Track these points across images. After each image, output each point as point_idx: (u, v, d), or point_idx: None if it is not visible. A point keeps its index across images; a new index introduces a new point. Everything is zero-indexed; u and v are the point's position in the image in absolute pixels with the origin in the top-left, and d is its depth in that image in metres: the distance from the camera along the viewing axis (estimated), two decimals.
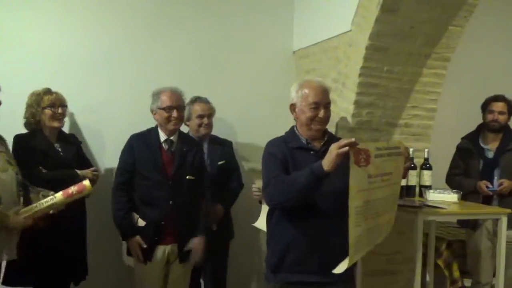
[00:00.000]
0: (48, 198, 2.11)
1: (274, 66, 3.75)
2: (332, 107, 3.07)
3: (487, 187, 3.14)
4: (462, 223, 3.43)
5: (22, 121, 2.74)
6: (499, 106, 3.28)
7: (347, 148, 1.68)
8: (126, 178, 2.67)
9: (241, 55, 3.67)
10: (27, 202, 2.19)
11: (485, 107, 3.36)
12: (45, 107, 2.66)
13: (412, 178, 2.94)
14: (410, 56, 2.98)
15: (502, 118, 3.27)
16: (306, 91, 2.03)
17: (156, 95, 2.68)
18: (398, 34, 2.84)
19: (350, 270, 1.93)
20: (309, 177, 1.78)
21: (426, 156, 2.99)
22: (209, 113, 3.06)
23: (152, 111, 2.70)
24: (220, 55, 3.61)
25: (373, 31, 2.77)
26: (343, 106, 3.06)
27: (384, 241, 3.00)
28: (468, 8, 2.90)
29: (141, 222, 2.63)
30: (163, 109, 2.62)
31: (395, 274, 3.09)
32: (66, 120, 2.90)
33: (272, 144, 2.11)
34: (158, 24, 3.46)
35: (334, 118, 3.11)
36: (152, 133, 2.73)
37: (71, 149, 2.77)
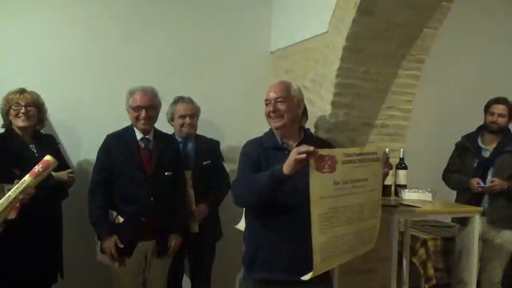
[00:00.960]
0: (18, 184, 2.05)
1: (252, 67, 3.76)
2: (310, 108, 3.16)
3: (478, 184, 3.20)
4: (456, 220, 3.51)
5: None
6: (499, 108, 3.34)
7: (304, 155, 1.68)
8: (103, 177, 2.66)
9: (219, 55, 3.66)
10: None
11: (487, 108, 3.42)
12: (11, 106, 2.61)
13: (388, 178, 2.98)
14: (386, 57, 3.02)
15: (501, 120, 3.33)
16: (266, 90, 2.11)
17: (129, 93, 2.69)
18: (375, 35, 2.88)
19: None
20: (270, 179, 1.80)
21: (401, 156, 3.03)
22: (192, 113, 3.04)
23: (126, 109, 2.71)
24: (198, 55, 3.59)
25: (350, 33, 2.80)
26: (320, 107, 3.09)
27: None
28: (442, 11, 2.96)
29: (120, 219, 2.63)
30: (133, 108, 2.65)
31: (371, 272, 3.12)
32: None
33: (247, 144, 2.14)
34: (136, 24, 3.43)
35: (312, 119, 3.15)
36: (128, 131, 2.73)
37: (46, 150, 2.70)
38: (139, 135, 2.71)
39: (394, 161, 3.00)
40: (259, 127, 3.17)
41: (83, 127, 3.25)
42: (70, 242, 2.93)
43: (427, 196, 2.90)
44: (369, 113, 3.10)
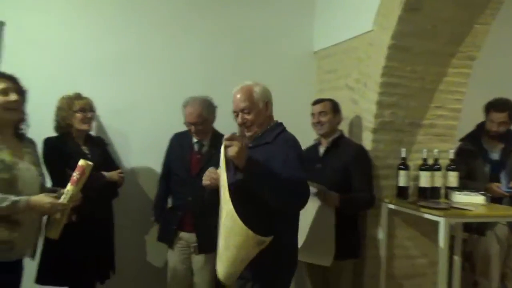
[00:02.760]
0: (64, 194, 2.14)
1: (295, 67, 3.74)
2: (354, 108, 3.11)
3: (499, 188, 3.06)
4: (468, 229, 3.23)
5: (50, 124, 2.77)
6: (499, 117, 3.16)
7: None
8: (165, 171, 3.05)
9: (262, 56, 3.66)
10: None
11: (487, 112, 3.25)
12: (76, 111, 2.71)
13: (438, 180, 2.88)
14: (433, 55, 2.92)
15: (503, 128, 3.18)
16: (232, 99, 2.15)
17: (183, 106, 2.87)
18: (421, 33, 2.80)
19: (257, 269, 1.94)
20: None
21: (451, 157, 2.92)
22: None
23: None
24: (241, 58, 3.61)
25: (396, 31, 2.73)
26: (365, 107, 3.03)
27: (408, 244, 3.00)
28: (494, 6, 2.83)
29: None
30: (185, 123, 2.87)
31: (420, 277, 3.03)
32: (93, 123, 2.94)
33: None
34: (181, 26, 3.50)
35: (355, 119, 3.09)
36: (187, 133, 2.95)
37: (98, 152, 2.81)
38: (195, 139, 2.91)
39: (443, 162, 2.90)
40: (302, 127, 3.16)
41: (134, 129, 3.34)
42: (122, 240, 3.02)
43: (480, 199, 2.77)
44: (416, 113, 3.01)
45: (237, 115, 2.12)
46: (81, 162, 2.16)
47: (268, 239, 1.84)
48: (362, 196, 2.72)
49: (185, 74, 3.40)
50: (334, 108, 2.85)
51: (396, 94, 2.91)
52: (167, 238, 2.92)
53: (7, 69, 2.23)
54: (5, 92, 2.05)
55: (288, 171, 1.87)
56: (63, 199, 2.11)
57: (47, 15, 3.19)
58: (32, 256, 2.23)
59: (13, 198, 1.95)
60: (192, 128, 2.83)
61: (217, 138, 2.87)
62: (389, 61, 2.82)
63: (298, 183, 1.90)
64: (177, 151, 2.97)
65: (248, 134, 2.11)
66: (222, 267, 1.93)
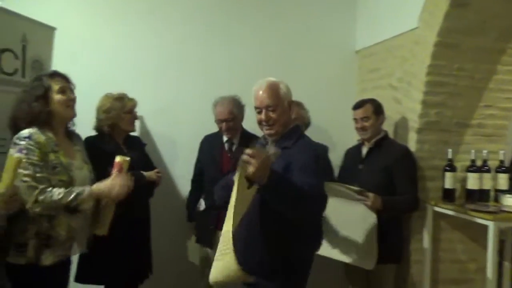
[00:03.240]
0: None
1: (336, 67, 3.70)
2: (397, 108, 3.04)
3: None
4: None
5: (90, 123, 2.84)
6: None
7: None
8: (196, 171, 3.14)
9: (303, 56, 3.65)
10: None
11: None
12: (126, 112, 2.78)
13: (487, 182, 2.76)
14: (482, 52, 2.81)
15: None
16: (253, 95, 2.04)
17: (213, 105, 2.98)
18: (469, 29, 2.70)
19: (266, 269, 1.90)
20: None
21: (501, 158, 2.79)
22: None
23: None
24: (283, 56, 3.61)
25: (442, 27, 2.65)
26: (409, 106, 2.95)
27: (455, 248, 2.90)
28: None
29: (200, 208, 3.04)
30: (216, 121, 2.95)
31: (467, 283, 2.92)
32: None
33: None
34: (224, 27, 3.55)
35: (399, 118, 3.02)
36: (218, 134, 3.04)
37: (136, 151, 2.87)
38: (225, 138, 2.99)
39: (493, 163, 2.78)
40: (343, 127, 3.13)
41: (173, 129, 3.41)
42: (159, 239, 3.08)
43: None
44: (463, 112, 2.90)
45: (259, 112, 2.01)
46: (118, 158, 2.22)
47: (251, 279, 1.80)
48: (405, 198, 2.65)
49: (225, 75, 3.44)
50: (376, 110, 2.78)
51: (443, 93, 2.82)
52: (207, 239, 2.95)
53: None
54: (63, 91, 2.15)
55: (304, 181, 1.78)
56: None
57: (94, 21, 3.34)
58: (87, 248, 2.30)
59: (77, 189, 2.03)
60: (223, 125, 2.89)
61: (246, 136, 2.93)
62: (435, 59, 2.74)
63: (314, 196, 1.84)
64: (208, 151, 3.04)
65: (268, 132, 2.02)
66: (214, 273, 1.81)
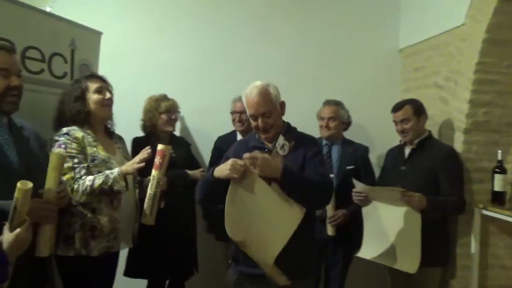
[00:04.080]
0: (151, 181, 2.32)
1: (378, 66, 3.63)
2: (443, 107, 2.95)
3: None
4: None
5: (138, 123, 2.97)
6: None
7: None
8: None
9: (345, 56, 3.61)
10: (141, 194, 2.40)
11: None
12: (162, 112, 2.86)
13: None
14: None
15: None
16: (245, 101, 2.10)
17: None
18: None
19: (303, 268, 2.01)
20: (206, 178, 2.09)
21: None
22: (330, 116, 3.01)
23: None
24: (325, 55, 3.59)
25: (491, 23, 2.54)
26: (455, 106, 2.85)
27: (505, 253, 2.78)
28: None
29: None
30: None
31: None
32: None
33: (235, 143, 2.33)
34: (265, 28, 3.57)
35: (445, 118, 2.93)
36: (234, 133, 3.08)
37: (181, 151, 2.94)
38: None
39: None
40: (386, 128, 3.06)
41: (215, 129, 3.43)
42: (204, 238, 3.13)
43: None
44: None
45: (255, 119, 2.06)
46: (160, 146, 2.32)
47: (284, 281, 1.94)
48: (451, 200, 2.56)
49: (265, 76, 3.40)
50: (417, 111, 2.69)
51: (491, 91, 2.71)
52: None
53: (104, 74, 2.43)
54: (99, 90, 2.25)
55: (317, 172, 1.99)
56: (151, 185, 2.26)
57: (138, 24, 3.45)
58: (132, 244, 2.38)
59: (106, 172, 2.13)
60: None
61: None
62: (484, 57, 2.63)
63: (326, 184, 2.02)
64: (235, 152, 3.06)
65: (266, 136, 2.09)
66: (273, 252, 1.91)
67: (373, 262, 2.59)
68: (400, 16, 3.64)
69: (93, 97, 2.23)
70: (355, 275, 3.10)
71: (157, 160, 2.30)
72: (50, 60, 2.48)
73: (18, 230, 1.43)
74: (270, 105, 2.05)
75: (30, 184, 1.51)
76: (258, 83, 2.10)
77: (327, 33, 3.59)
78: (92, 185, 2.08)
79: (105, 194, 2.13)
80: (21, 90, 1.83)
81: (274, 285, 1.94)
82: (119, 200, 2.21)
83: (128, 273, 2.76)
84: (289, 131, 2.16)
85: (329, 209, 2.79)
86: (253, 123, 2.10)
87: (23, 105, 1.92)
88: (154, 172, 2.30)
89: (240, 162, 1.89)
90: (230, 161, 1.91)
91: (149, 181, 2.32)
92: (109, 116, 2.34)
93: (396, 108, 2.74)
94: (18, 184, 1.49)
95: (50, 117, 2.28)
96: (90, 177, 2.10)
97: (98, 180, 2.09)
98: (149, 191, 2.30)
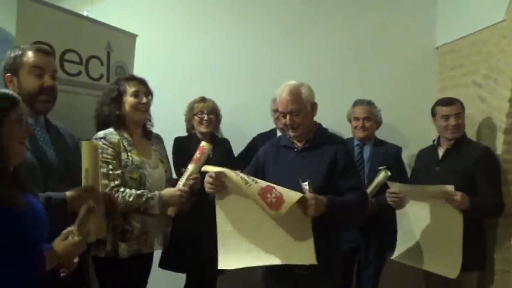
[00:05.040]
0: (185, 173, 2.33)
1: (414, 64, 3.55)
2: (483, 106, 2.86)
3: None
4: None
5: (181, 124, 3.04)
6: None
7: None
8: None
9: (379, 54, 3.54)
10: None
11: None
12: (195, 114, 2.91)
13: None
14: None
15: None
16: (277, 99, 2.17)
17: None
18: None
19: (331, 264, 2.06)
20: None
21: None
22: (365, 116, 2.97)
23: None
24: (358, 54, 3.54)
25: None
26: (495, 105, 2.75)
27: None
28: None
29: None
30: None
31: None
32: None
33: (266, 143, 2.36)
34: (296, 27, 3.56)
35: (483, 118, 2.84)
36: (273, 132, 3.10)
37: (220, 151, 2.97)
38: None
39: None
40: (422, 127, 3.00)
41: (249, 128, 3.46)
42: None
43: None
44: None
45: (284, 116, 2.12)
46: (203, 143, 2.36)
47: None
48: (490, 201, 2.48)
49: (297, 76, 3.38)
50: (463, 108, 2.65)
51: None
52: None
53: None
54: (136, 94, 2.26)
55: (351, 184, 2.05)
56: (182, 177, 2.30)
57: (172, 27, 3.52)
58: (164, 246, 2.42)
59: (149, 194, 2.16)
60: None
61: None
62: None
63: (363, 202, 2.10)
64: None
65: (293, 134, 2.14)
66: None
67: (408, 266, 2.54)
68: (436, 12, 3.53)
69: (129, 100, 2.24)
70: (388, 277, 3.05)
71: (196, 154, 2.33)
72: (87, 62, 2.57)
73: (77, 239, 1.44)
74: (299, 104, 2.08)
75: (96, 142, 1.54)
76: (291, 82, 2.15)
77: (359, 30, 3.54)
78: (129, 202, 2.11)
79: (136, 211, 2.17)
80: (55, 91, 1.90)
81: (300, 277, 2.01)
82: None
83: (162, 265, 2.81)
84: (320, 132, 2.19)
85: None
86: (282, 120, 2.17)
87: (62, 106, 2.00)
88: (190, 166, 2.34)
89: (211, 174, 1.98)
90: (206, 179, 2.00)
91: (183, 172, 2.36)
92: (144, 120, 2.35)
93: (448, 102, 2.66)
94: (83, 142, 1.57)
95: (87, 118, 2.35)
96: (130, 194, 2.13)
97: (137, 200, 2.13)
98: (179, 182, 2.32)
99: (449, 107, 2.64)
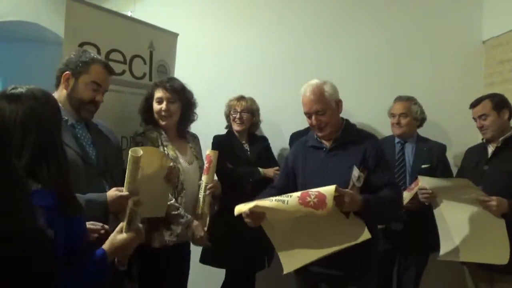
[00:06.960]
0: (201, 186, 2.37)
1: (460, 59, 3.42)
2: None
3: None
4: None
5: (219, 122, 3.10)
6: None
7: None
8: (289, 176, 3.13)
9: (424, 48, 3.44)
10: None
11: None
12: (231, 111, 2.97)
13: None
14: None
15: None
16: (301, 101, 2.13)
17: None
18: None
19: (362, 266, 2.02)
20: None
21: None
22: (400, 112, 2.90)
23: None
24: (403, 50, 3.46)
25: None
26: None
27: None
28: None
29: None
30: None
31: None
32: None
33: (295, 144, 2.36)
34: (338, 25, 3.52)
35: None
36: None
37: (257, 149, 3.00)
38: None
39: None
40: (469, 125, 2.90)
41: (288, 127, 3.44)
42: None
43: None
44: None
45: (309, 117, 2.10)
46: (208, 151, 2.41)
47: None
48: None
49: (338, 74, 3.35)
50: (497, 106, 2.50)
51: None
52: None
53: (180, 76, 2.55)
54: (159, 101, 2.37)
55: (385, 179, 2.03)
56: (200, 189, 2.36)
57: (213, 25, 3.56)
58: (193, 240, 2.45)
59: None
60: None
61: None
62: None
63: (397, 197, 2.11)
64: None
65: (321, 134, 2.12)
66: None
67: (448, 266, 2.46)
68: (483, 4, 3.40)
69: (154, 105, 2.38)
70: (431, 279, 2.98)
71: (205, 165, 2.38)
72: (131, 61, 2.64)
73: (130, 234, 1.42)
74: (323, 103, 2.07)
75: (140, 152, 1.65)
76: (314, 81, 2.14)
77: (402, 25, 3.45)
78: None
79: None
80: (99, 105, 1.98)
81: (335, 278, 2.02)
82: (183, 196, 2.33)
83: (203, 260, 2.86)
84: (348, 129, 2.17)
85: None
86: (308, 121, 2.15)
87: (106, 104, 2.07)
88: (202, 177, 2.39)
89: (246, 212, 1.95)
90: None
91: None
92: (169, 125, 2.40)
93: (475, 103, 2.59)
94: (130, 152, 1.65)
95: (131, 116, 2.44)
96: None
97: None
98: (199, 195, 2.39)
99: (473, 109, 2.58)
